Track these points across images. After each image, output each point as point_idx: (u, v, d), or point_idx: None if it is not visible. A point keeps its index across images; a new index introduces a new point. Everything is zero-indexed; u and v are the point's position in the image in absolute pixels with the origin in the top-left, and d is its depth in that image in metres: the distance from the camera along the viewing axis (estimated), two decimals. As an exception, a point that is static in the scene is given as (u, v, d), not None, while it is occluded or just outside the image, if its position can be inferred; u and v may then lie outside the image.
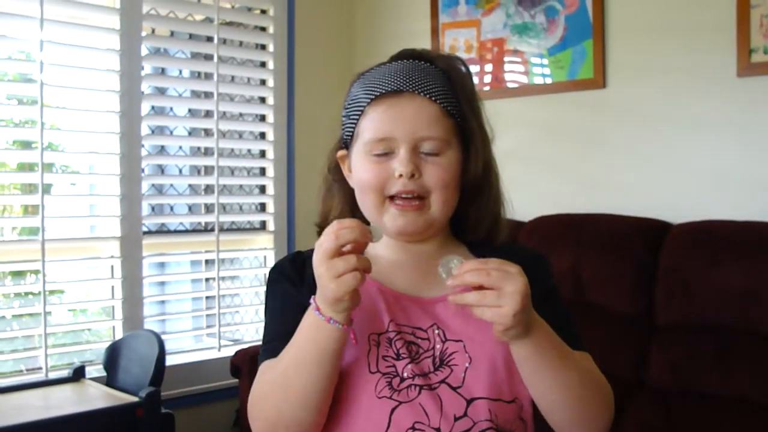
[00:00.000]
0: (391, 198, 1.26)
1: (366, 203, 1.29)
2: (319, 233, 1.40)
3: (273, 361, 1.23)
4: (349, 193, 1.36)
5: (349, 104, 1.32)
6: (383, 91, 1.26)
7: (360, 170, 1.29)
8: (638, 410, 2.47)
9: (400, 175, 1.24)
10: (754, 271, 2.45)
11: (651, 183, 2.99)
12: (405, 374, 1.20)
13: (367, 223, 1.36)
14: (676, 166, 2.93)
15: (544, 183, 3.30)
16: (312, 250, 1.34)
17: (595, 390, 1.22)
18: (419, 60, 1.31)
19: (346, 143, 1.35)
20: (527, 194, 3.26)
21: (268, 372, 1.21)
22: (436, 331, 1.24)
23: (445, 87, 1.28)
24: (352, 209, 1.36)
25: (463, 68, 1.34)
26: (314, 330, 1.15)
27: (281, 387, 1.18)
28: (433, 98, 1.26)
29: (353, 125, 1.31)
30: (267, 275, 1.37)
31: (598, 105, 3.16)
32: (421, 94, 1.26)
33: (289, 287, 1.30)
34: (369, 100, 1.28)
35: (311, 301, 1.15)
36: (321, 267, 1.11)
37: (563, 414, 1.20)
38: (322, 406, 1.18)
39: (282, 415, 1.18)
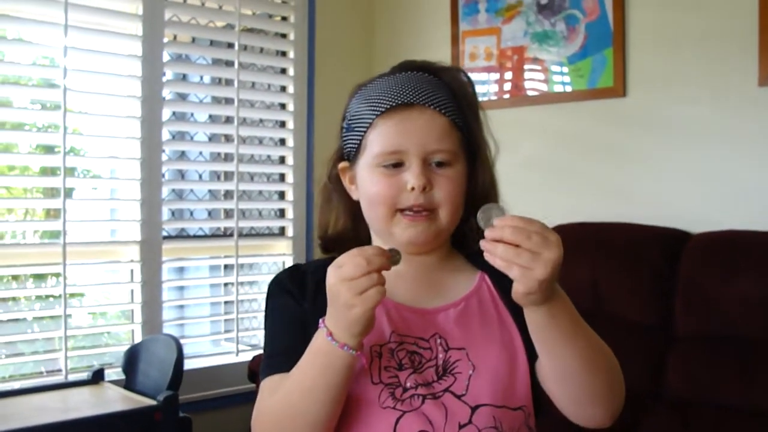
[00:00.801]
0: (402, 211, 1.25)
1: (374, 216, 1.29)
2: (322, 246, 1.40)
3: (276, 379, 1.22)
4: (349, 205, 1.36)
5: (353, 117, 1.31)
6: (393, 104, 1.26)
7: (368, 183, 1.28)
8: (656, 422, 2.46)
9: (413, 188, 1.23)
10: (774, 281, 2.44)
11: (670, 192, 2.98)
12: (408, 384, 1.20)
13: (368, 236, 1.37)
14: (696, 175, 2.91)
15: (563, 191, 3.29)
16: (312, 263, 1.35)
17: (609, 367, 1.21)
18: (423, 72, 1.31)
19: (348, 155, 1.34)
20: (546, 202, 3.25)
21: (273, 395, 1.20)
22: (438, 341, 1.23)
23: (451, 100, 1.28)
24: (354, 221, 1.36)
25: (467, 81, 1.34)
26: (324, 356, 1.14)
27: (289, 413, 1.17)
28: (442, 111, 1.26)
29: (359, 138, 1.29)
30: (269, 286, 1.36)
31: (618, 114, 3.15)
32: (431, 107, 1.25)
33: (290, 301, 1.29)
34: (378, 113, 1.27)
35: (321, 325, 1.14)
36: (340, 286, 1.10)
37: (573, 389, 1.19)
38: (330, 428, 1.18)
39: None
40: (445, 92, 1.28)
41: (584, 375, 1.17)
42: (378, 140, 1.26)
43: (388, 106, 1.26)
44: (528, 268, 1.05)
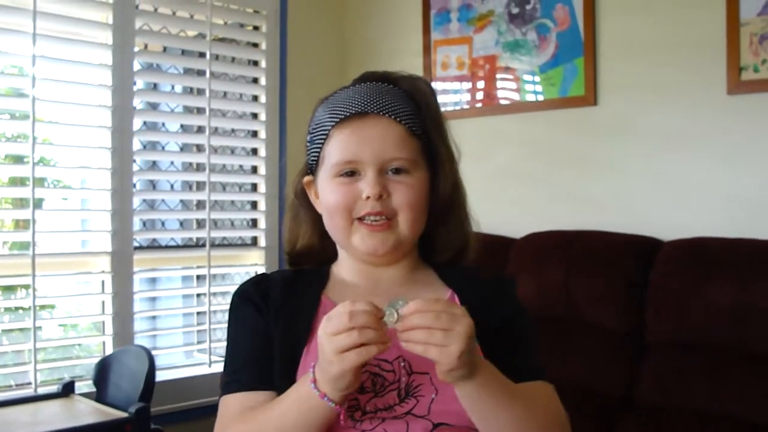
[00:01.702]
0: (360, 220, 1.26)
1: (333, 226, 1.29)
2: (288, 261, 1.39)
3: (241, 398, 1.22)
4: (316, 220, 1.36)
5: (314, 129, 1.32)
6: (347, 114, 1.26)
7: (327, 193, 1.28)
8: (628, 429, 2.46)
9: (368, 197, 1.24)
10: (744, 288, 2.45)
11: (642, 200, 3.00)
12: (367, 408, 1.19)
13: (335, 251, 1.36)
14: (667, 183, 2.94)
15: (536, 200, 3.31)
16: (279, 274, 1.35)
17: (544, 428, 1.20)
18: (382, 82, 1.31)
19: (311, 168, 1.34)
20: (518, 211, 3.26)
21: (244, 423, 1.20)
22: (402, 364, 1.22)
23: (410, 108, 1.28)
24: (320, 236, 1.36)
25: (426, 88, 1.34)
26: (304, 401, 1.13)
27: None
28: (398, 119, 1.26)
29: (318, 150, 1.30)
30: (232, 297, 1.35)
31: (589, 122, 3.17)
32: (386, 115, 1.25)
33: (254, 313, 1.28)
34: (333, 124, 1.27)
35: (311, 369, 1.13)
36: (324, 340, 1.08)
37: None
38: None
39: None
40: (403, 100, 1.28)
41: None
42: (334, 150, 1.27)
43: (343, 116, 1.26)
44: (444, 346, 1.05)
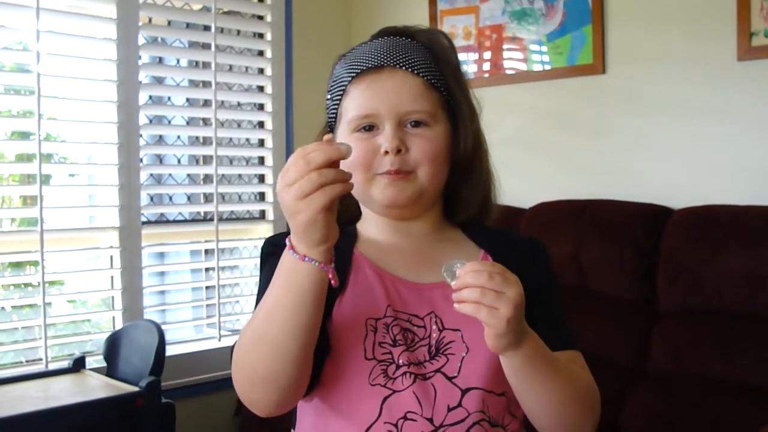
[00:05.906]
0: (379, 174, 1.24)
1: (354, 182, 1.21)
2: None
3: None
4: None
5: (332, 86, 1.31)
6: (363, 68, 1.25)
7: None
8: (641, 397, 2.46)
9: (386, 152, 1.22)
10: (756, 255, 2.44)
11: (651, 168, 2.98)
12: (401, 361, 1.17)
13: (358, 207, 1.34)
14: (677, 151, 2.92)
15: (544, 169, 3.29)
16: None
17: (582, 398, 1.20)
18: (400, 36, 1.30)
19: (331, 126, 1.33)
20: (527, 181, 3.25)
21: (246, 326, 1.16)
22: (434, 320, 1.21)
23: (428, 60, 1.27)
24: (342, 195, 1.34)
25: (445, 41, 1.32)
26: (288, 273, 1.08)
27: (255, 339, 1.11)
28: (415, 71, 1.25)
29: (336, 106, 1.29)
30: (261, 248, 1.32)
31: (597, 91, 3.14)
32: (402, 67, 1.24)
33: None
34: (350, 79, 1.26)
35: (286, 241, 1.08)
36: (284, 193, 1.03)
37: (549, 421, 1.19)
38: (300, 360, 1.10)
39: (257, 369, 1.12)
40: (421, 53, 1.27)
41: (560, 410, 1.17)
42: (351, 106, 1.26)
43: (359, 71, 1.26)
44: (494, 308, 1.04)
